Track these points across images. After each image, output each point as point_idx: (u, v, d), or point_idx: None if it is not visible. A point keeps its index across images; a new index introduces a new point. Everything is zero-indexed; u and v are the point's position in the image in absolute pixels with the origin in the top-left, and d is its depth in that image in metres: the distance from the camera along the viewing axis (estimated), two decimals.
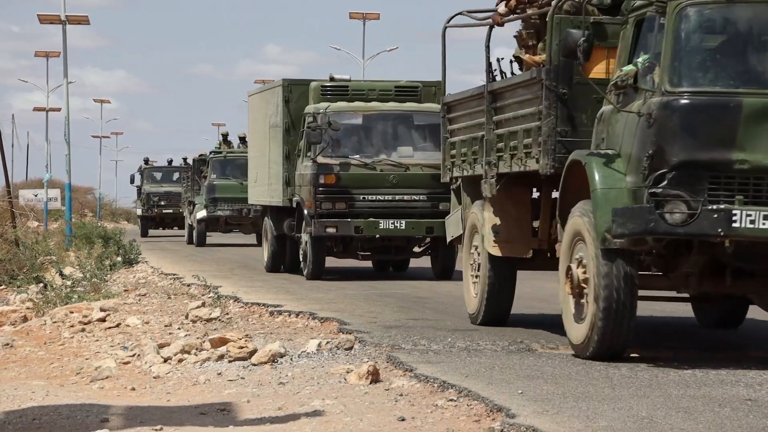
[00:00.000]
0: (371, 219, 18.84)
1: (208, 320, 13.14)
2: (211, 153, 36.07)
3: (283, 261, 21.32)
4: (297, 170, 19.74)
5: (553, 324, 12.47)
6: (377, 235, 19.03)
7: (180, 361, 10.34)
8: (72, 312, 13.93)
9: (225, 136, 38.20)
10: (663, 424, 7.10)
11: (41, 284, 17.55)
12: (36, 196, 46.86)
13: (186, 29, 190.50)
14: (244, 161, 33.19)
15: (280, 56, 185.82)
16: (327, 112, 19.08)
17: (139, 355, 10.74)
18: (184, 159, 47.73)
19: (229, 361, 10.19)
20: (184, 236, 43.25)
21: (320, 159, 18.91)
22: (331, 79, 20.30)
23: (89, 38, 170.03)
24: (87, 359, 10.99)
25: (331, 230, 18.77)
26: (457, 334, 11.44)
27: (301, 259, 19.73)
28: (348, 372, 9.28)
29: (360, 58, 54.37)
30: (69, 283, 17.91)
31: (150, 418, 8.04)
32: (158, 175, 46.56)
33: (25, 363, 11.09)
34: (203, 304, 14.25)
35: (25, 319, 14.13)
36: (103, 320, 13.30)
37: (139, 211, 46.31)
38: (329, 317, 12.88)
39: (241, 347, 10.34)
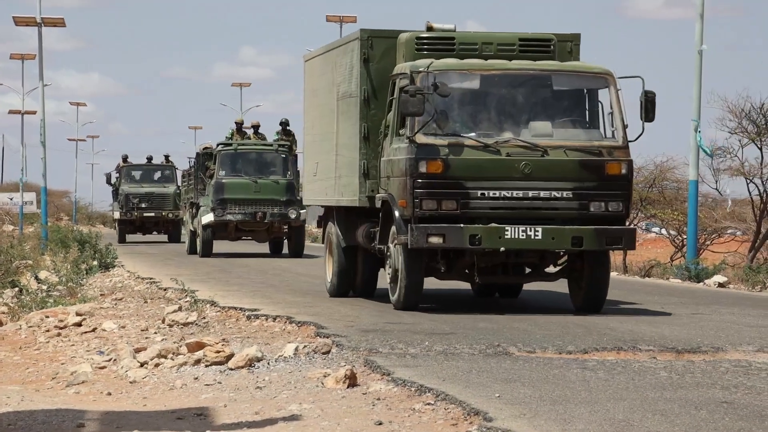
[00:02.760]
0: (493, 225, 13.46)
1: (185, 324, 13.13)
2: (219, 145, 30.24)
3: (353, 282, 16.21)
4: (383, 155, 14.51)
5: (530, 327, 12.50)
6: (501, 248, 13.55)
7: (156, 365, 10.33)
8: (47, 316, 13.90)
9: (240, 124, 32.33)
10: (640, 427, 7.14)
11: (16, 288, 17.50)
12: (11, 199, 46.39)
13: (162, 32, 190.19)
14: (257, 156, 29.58)
15: (256, 59, 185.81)
16: (431, 71, 13.71)
17: (115, 359, 10.72)
18: (166, 156, 44.41)
19: (206, 366, 10.18)
20: (165, 240, 41.78)
21: (421, 138, 13.52)
22: (429, 29, 14.94)
23: (65, 40, 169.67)
24: (63, 364, 10.97)
25: (435, 240, 13.39)
26: (435, 337, 11.46)
27: (388, 280, 14.41)
28: (325, 376, 9.29)
29: None
30: (45, 287, 17.87)
31: (126, 423, 8.03)
32: (137, 174, 42.51)
33: (0, 368, 11.06)
34: (180, 309, 14.24)
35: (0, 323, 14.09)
36: (79, 325, 13.27)
37: (116, 214, 42.08)
38: (306, 321, 12.88)
39: (218, 352, 10.33)
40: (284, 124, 31.71)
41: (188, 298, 15.77)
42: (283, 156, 29.84)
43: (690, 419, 7.37)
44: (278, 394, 8.91)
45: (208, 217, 28.96)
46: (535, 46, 14.51)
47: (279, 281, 20.12)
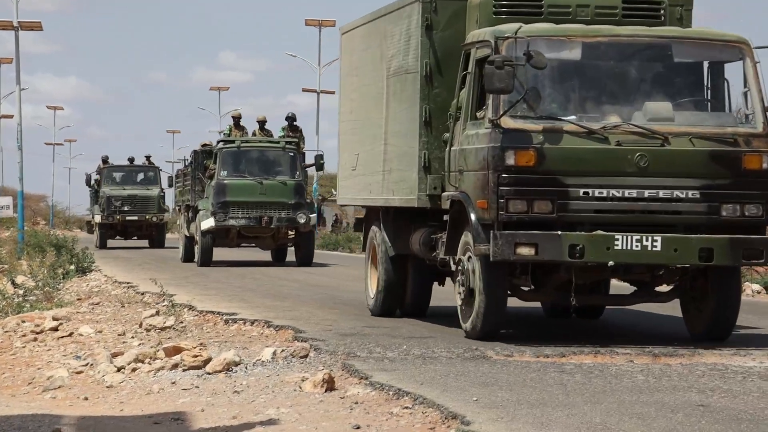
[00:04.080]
0: (599, 233, 10.85)
1: (162, 329, 13.11)
2: (218, 143, 27.37)
3: (402, 298, 13.79)
4: (452, 144, 11.83)
5: (508, 331, 12.53)
6: (609, 263, 10.97)
7: (134, 370, 10.31)
8: (24, 321, 13.85)
9: (237, 119, 28.86)
10: (616, 430, 7.16)
11: None
12: None
13: (140, 36, 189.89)
14: (262, 154, 26.50)
15: (235, 63, 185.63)
16: (521, 37, 11.03)
17: (92, 364, 10.70)
18: (148, 158, 42.38)
19: (184, 370, 10.17)
20: (146, 245, 40.63)
21: (508, 121, 10.91)
22: None
23: (42, 44, 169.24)
24: (39, 369, 10.93)
25: (525, 251, 10.80)
26: (413, 341, 11.47)
27: (458, 301, 11.69)
28: (303, 380, 9.29)
29: (316, 65, 54.40)
30: (21, 292, 17.80)
31: (103, 428, 8.02)
32: (119, 176, 40.23)
33: None
34: (157, 313, 14.22)
35: None
36: (55, 329, 13.23)
37: (97, 218, 39.50)
38: (284, 325, 12.87)
39: (196, 356, 10.32)
40: (291, 119, 28.32)
41: (166, 303, 15.75)
42: (291, 154, 26.63)
43: (666, 422, 7.40)
44: (256, 398, 8.91)
45: (208, 222, 25.72)
46: (641, 10, 11.91)
47: (256, 285, 20.10)
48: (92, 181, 41.22)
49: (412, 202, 12.60)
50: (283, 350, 10.76)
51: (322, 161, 28.35)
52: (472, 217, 11.15)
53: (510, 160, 10.91)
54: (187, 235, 28.28)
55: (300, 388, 9.12)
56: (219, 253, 27.21)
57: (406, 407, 8.03)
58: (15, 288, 18.37)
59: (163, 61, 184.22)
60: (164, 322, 13.31)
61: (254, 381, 9.57)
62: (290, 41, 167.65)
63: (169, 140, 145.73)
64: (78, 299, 17.51)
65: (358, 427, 7.61)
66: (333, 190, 47.48)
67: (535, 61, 10.90)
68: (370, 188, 13.93)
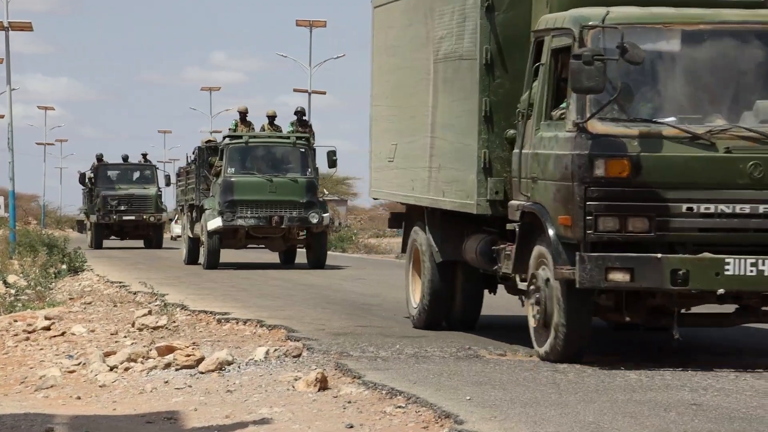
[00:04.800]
0: (707, 255, 9.49)
1: (155, 328, 13.09)
2: (225, 138, 25.63)
3: (448, 310, 12.36)
4: (523, 146, 10.39)
5: (501, 330, 12.53)
6: (719, 291, 9.56)
7: (126, 369, 10.30)
8: (16, 321, 13.82)
9: (244, 113, 26.92)
10: (609, 429, 7.16)
11: None
12: None
13: (131, 36, 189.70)
14: (271, 150, 25.08)
15: (227, 63, 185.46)
16: (611, 26, 9.58)
17: (84, 363, 10.68)
18: (144, 155, 41.45)
19: (176, 370, 10.16)
20: (141, 246, 38.27)
21: (596, 125, 9.55)
22: None
23: (33, 44, 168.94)
24: (31, 368, 10.91)
25: (618, 277, 9.44)
26: (405, 340, 11.47)
27: (531, 323, 10.31)
28: (296, 380, 9.28)
29: (307, 66, 54.40)
30: (13, 291, 17.77)
31: (96, 428, 8.00)
32: (114, 175, 38.94)
33: None
34: (150, 312, 14.20)
35: None
36: (47, 329, 13.21)
37: (93, 218, 38.20)
38: (277, 325, 12.87)
39: (189, 355, 10.31)
40: (300, 113, 27.02)
41: (158, 302, 15.73)
42: (302, 150, 25.11)
43: (659, 421, 7.40)
44: (249, 397, 8.90)
45: (215, 222, 24.10)
46: None
47: (249, 285, 20.08)
48: (86, 180, 40.02)
49: (470, 208, 11.03)
50: (275, 350, 10.76)
51: (334, 157, 26.00)
52: (551, 233, 9.71)
53: (600, 171, 9.47)
54: (191, 236, 26.63)
55: (293, 387, 9.11)
56: (224, 255, 25.55)
57: (399, 406, 8.03)
58: (7, 288, 18.34)
59: (154, 61, 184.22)
60: (157, 322, 13.30)
61: (247, 380, 9.56)
62: (281, 42, 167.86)
63: (161, 140, 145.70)
64: (70, 299, 17.48)
65: (351, 426, 7.61)
66: (325, 189, 47.40)
67: (632, 55, 9.42)
68: (413, 184, 12.37)
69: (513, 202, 10.58)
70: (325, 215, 24.67)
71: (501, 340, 11.55)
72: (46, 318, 13.74)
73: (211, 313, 14.42)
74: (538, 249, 10.05)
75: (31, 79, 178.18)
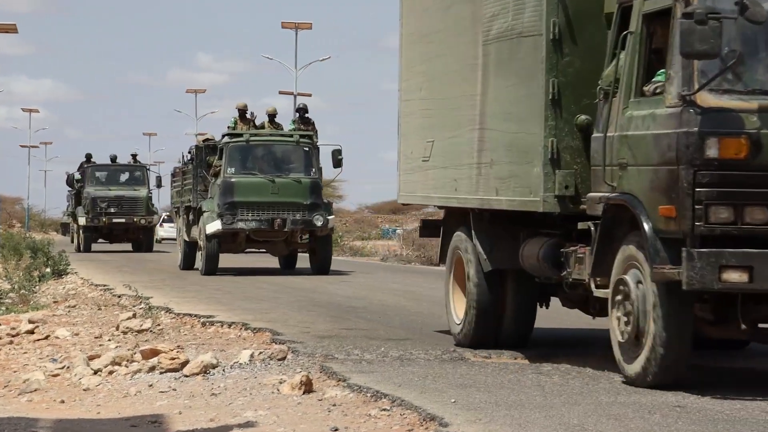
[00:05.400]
0: None
1: (139, 331, 13.07)
2: (224, 136, 24.15)
3: (497, 325, 10.98)
4: (608, 128, 9.03)
5: None
6: None
7: (110, 373, 10.28)
8: (0, 324, 13.79)
9: (243, 110, 25.30)
10: (594, 431, 7.18)
11: None
12: None
13: (116, 37, 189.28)
14: (274, 149, 23.74)
15: (212, 65, 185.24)
16: None
17: (68, 367, 10.66)
18: (134, 156, 40.18)
19: (161, 373, 10.14)
20: (129, 249, 37.48)
21: (706, 97, 8.25)
22: None
23: (17, 46, 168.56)
24: (15, 372, 10.88)
25: (734, 277, 8.15)
26: (390, 343, 11.48)
27: (618, 337, 8.92)
28: (281, 382, 9.28)
29: (292, 68, 54.42)
30: None
31: (80, 431, 7.99)
32: (103, 176, 37.82)
33: None
34: (134, 315, 14.18)
35: None
36: (31, 332, 13.18)
37: (81, 220, 36.92)
38: (262, 328, 12.86)
39: (173, 358, 10.30)
40: (302, 110, 25.51)
41: (142, 305, 15.71)
42: (306, 149, 23.86)
43: (643, 423, 7.42)
44: (233, 400, 8.90)
45: (214, 226, 22.80)
46: None
47: (234, 287, 20.06)
48: (74, 181, 38.91)
49: (533, 206, 9.73)
50: (260, 353, 10.75)
51: (340, 156, 24.36)
52: (647, 227, 8.41)
53: (712, 151, 8.15)
54: (187, 240, 25.32)
55: (278, 390, 9.11)
56: (222, 260, 24.27)
57: (384, 409, 8.04)
58: None
59: (138, 63, 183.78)
60: (141, 325, 13.27)
61: (232, 383, 9.56)
62: (267, 44, 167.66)
63: (146, 142, 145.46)
64: (54, 302, 17.44)
65: (336, 429, 7.61)
66: None
67: (752, 13, 8.12)
68: (455, 185, 11.07)
69: (593, 195, 9.27)
70: (330, 218, 23.61)
71: None
72: (30, 321, 13.71)
73: (195, 316, 14.40)
74: (626, 250, 8.75)
75: (15, 80, 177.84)
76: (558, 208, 9.57)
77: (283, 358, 10.52)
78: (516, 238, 10.46)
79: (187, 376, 9.98)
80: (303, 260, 25.22)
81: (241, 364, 10.34)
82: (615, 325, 8.92)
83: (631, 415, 7.68)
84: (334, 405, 8.41)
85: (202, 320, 13.98)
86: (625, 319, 8.76)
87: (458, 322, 11.24)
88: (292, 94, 53.71)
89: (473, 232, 10.85)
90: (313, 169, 23.81)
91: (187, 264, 25.28)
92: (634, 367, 8.73)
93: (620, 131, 8.93)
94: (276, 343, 11.53)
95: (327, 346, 11.24)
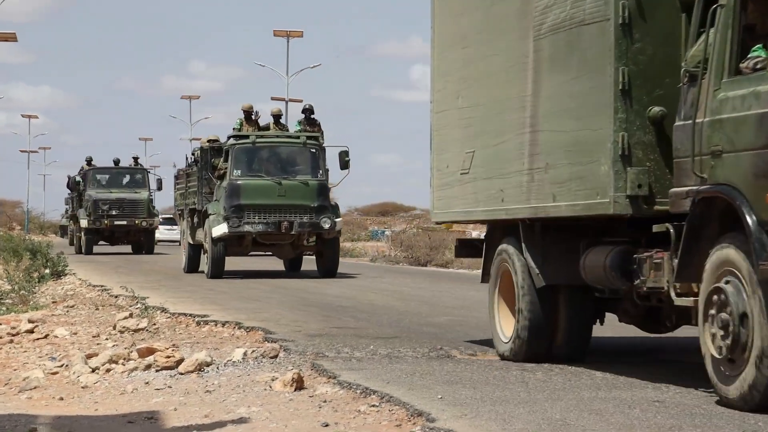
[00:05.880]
0: None
1: (136, 331, 13.06)
2: (229, 138, 23.23)
3: (552, 340, 9.97)
4: (697, 114, 7.87)
5: (472, 331, 12.56)
6: None
7: (108, 371, 10.28)
8: (0, 324, 13.76)
9: (249, 112, 24.13)
10: (576, 425, 7.19)
11: None
12: None
13: (112, 45, 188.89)
14: (280, 151, 22.77)
15: (206, 72, 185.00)
16: None
17: (67, 365, 10.65)
18: (135, 159, 39.53)
19: (157, 371, 10.14)
20: (129, 251, 37.19)
21: None
22: None
23: (17, 54, 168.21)
24: (15, 370, 10.86)
25: None
26: (379, 341, 11.49)
27: (711, 350, 7.79)
28: (273, 380, 9.28)
29: (284, 75, 54.39)
30: None
31: (78, 428, 7.98)
32: (104, 179, 37.21)
33: None
34: (131, 315, 14.17)
35: None
36: (31, 331, 13.16)
37: (84, 222, 36.41)
38: (255, 327, 12.86)
39: (168, 357, 10.30)
40: (308, 111, 24.16)
41: (139, 305, 15.70)
42: (313, 151, 22.98)
43: (624, 418, 7.44)
44: (227, 397, 8.89)
45: (220, 229, 21.94)
46: None
47: (228, 288, 20.04)
48: (76, 184, 38.22)
49: (601, 208, 8.52)
50: (253, 351, 10.75)
51: (347, 158, 23.34)
52: (749, 220, 7.21)
53: None
54: (191, 242, 24.36)
55: (270, 387, 9.11)
56: (227, 263, 23.34)
57: (373, 405, 8.04)
58: None
59: (135, 70, 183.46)
60: (137, 324, 13.27)
61: (225, 381, 9.55)
62: (259, 51, 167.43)
63: (142, 147, 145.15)
64: (53, 302, 17.42)
65: (327, 425, 7.62)
66: None
67: None
68: (502, 195, 9.96)
69: (677, 190, 8.06)
70: (337, 220, 22.70)
71: (471, 341, 11.58)
72: (30, 321, 13.69)
73: (190, 315, 14.39)
74: (720, 253, 7.57)
75: (14, 88, 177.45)
76: (630, 210, 8.31)
77: (275, 356, 10.52)
78: (573, 248, 9.33)
79: (182, 373, 9.97)
80: (307, 263, 24.56)
81: (234, 362, 10.34)
82: (708, 340, 7.75)
83: (611, 410, 7.70)
84: (325, 401, 8.41)
85: (196, 320, 13.97)
86: (722, 332, 7.59)
87: (506, 340, 10.17)
88: (283, 99, 53.70)
89: (523, 244, 9.75)
90: (320, 171, 22.92)
91: (192, 267, 24.36)
92: (734, 388, 7.52)
93: (712, 116, 7.74)
94: (268, 342, 11.53)
95: (318, 344, 11.24)
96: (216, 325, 13.45)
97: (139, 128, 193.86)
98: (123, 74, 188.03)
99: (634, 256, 8.58)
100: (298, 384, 8.97)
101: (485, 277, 10.60)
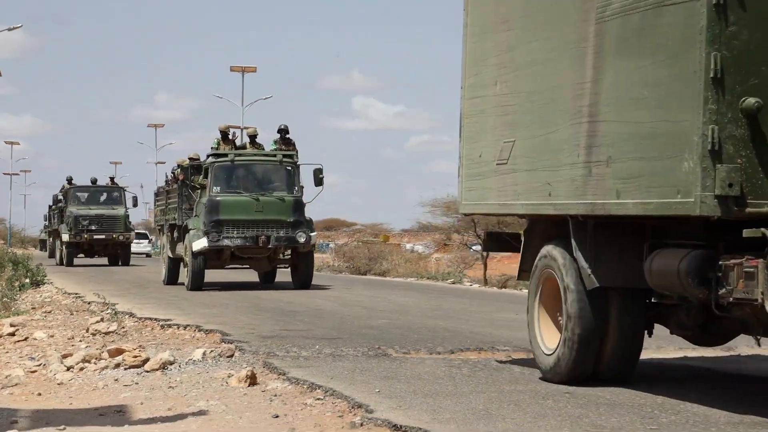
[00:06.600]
0: None
1: (107, 333, 12.93)
2: (209, 157, 21.91)
3: (601, 352, 8.19)
4: None
5: (406, 332, 12.56)
6: None
7: (81, 369, 10.16)
8: None
9: (225, 132, 23.14)
10: (497, 415, 7.22)
11: None
12: None
13: (87, 79, 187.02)
14: (257, 168, 21.63)
15: (170, 103, 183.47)
16: None
17: (45, 364, 10.51)
18: (112, 179, 39.20)
19: (125, 369, 10.04)
20: (106, 263, 36.57)
21: None
22: None
23: (1, 86, 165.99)
24: None
25: None
26: (324, 342, 11.45)
27: None
28: (229, 376, 9.22)
29: (240, 105, 54.22)
30: None
31: (54, 420, 7.88)
32: (84, 196, 36.73)
33: None
34: (102, 320, 14.02)
35: None
36: (12, 334, 12.97)
37: (65, 236, 35.71)
38: (213, 329, 12.77)
39: (136, 356, 10.20)
40: (283, 131, 22.96)
41: (109, 311, 15.53)
42: (288, 168, 21.79)
43: (539, 407, 7.47)
44: (188, 392, 8.82)
45: (200, 243, 20.73)
46: None
47: (190, 295, 19.88)
48: (57, 201, 37.64)
49: (683, 209, 6.73)
50: (211, 351, 10.68)
51: (321, 175, 22.00)
52: None
53: None
54: (171, 256, 23.02)
55: (226, 383, 9.05)
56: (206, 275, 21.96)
57: (319, 398, 8.01)
58: None
59: (106, 102, 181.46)
60: (108, 328, 13.13)
61: (187, 377, 9.48)
62: (218, 84, 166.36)
63: (112, 170, 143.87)
64: (32, 308, 17.18)
65: (277, 416, 7.58)
66: None
67: None
68: (549, 189, 8.22)
69: None
70: (312, 234, 21.45)
71: (406, 341, 11.58)
72: (11, 325, 13.50)
73: (155, 319, 14.26)
74: None
75: None
76: (718, 212, 6.54)
77: (231, 356, 10.46)
78: (630, 248, 7.78)
79: (147, 371, 9.88)
80: (281, 275, 23.55)
81: (194, 361, 10.26)
82: None
83: (528, 401, 7.73)
84: (276, 395, 8.37)
85: (161, 323, 13.85)
86: None
87: (549, 352, 8.40)
88: (239, 127, 53.51)
89: (574, 243, 8.00)
90: (296, 188, 21.71)
91: (171, 279, 23.11)
92: None
93: None
94: (225, 343, 11.46)
95: (269, 345, 11.19)
96: (178, 328, 13.34)
97: (110, 153, 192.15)
98: (96, 105, 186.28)
99: (720, 262, 6.81)
100: (252, 380, 8.91)
101: (522, 275, 8.92)
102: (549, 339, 8.54)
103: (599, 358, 8.14)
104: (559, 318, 8.30)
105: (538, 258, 8.57)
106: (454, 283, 26.94)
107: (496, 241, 9.89)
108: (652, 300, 7.97)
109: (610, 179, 7.50)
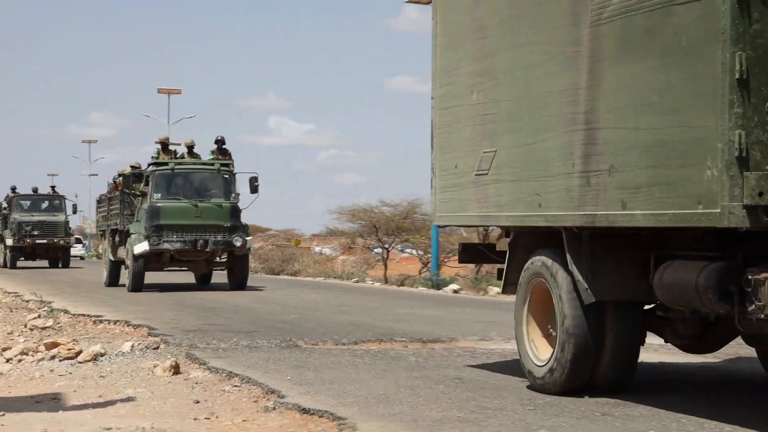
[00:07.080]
0: None
1: (43, 328, 12.65)
2: (150, 165, 21.24)
3: (595, 365, 7.04)
4: None
5: (315, 326, 12.52)
6: None
7: (20, 361, 9.93)
8: None
9: (165, 143, 22.60)
10: (394, 399, 7.24)
11: None
12: None
13: (26, 100, 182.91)
14: (196, 176, 20.88)
15: (102, 121, 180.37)
16: None
17: None
18: (53, 188, 38.55)
19: (60, 360, 9.83)
20: (46, 265, 36.25)
21: None
22: None
23: None
24: None
25: None
26: (241, 335, 11.37)
27: None
28: (155, 366, 9.10)
29: (166, 124, 53.58)
30: None
31: None
32: (26, 204, 36.22)
33: None
34: (39, 316, 13.71)
35: None
36: None
37: (9, 241, 35.15)
38: (141, 324, 12.58)
39: (70, 349, 10.01)
40: (220, 142, 22.29)
41: (46, 308, 15.20)
42: (225, 176, 21.06)
43: (431, 392, 7.52)
44: (117, 381, 8.68)
45: (141, 246, 19.97)
46: None
47: (121, 294, 19.55)
48: (1, 209, 37.03)
49: (707, 220, 5.55)
50: (139, 343, 10.52)
51: (256, 183, 21.37)
52: None
53: None
54: (113, 259, 22.27)
55: (152, 372, 8.92)
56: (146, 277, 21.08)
57: (236, 385, 7.95)
58: None
59: (44, 120, 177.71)
60: (45, 323, 12.85)
61: (116, 368, 9.32)
62: (146, 105, 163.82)
63: (49, 180, 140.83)
64: None
65: (198, 401, 7.50)
66: None
67: None
68: (539, 200, 7.03)
69: None
70: (248, 239, 20.82)
71: (314, 333, 11.55)
72: None
73: (88, 316, 14.00)
74: None
75: None
76: (747, 223, 5.38)
77: (157, 348, 10.31)
78: (629, 259, 6.71)
79: (80, 362, 9.70)
80: (217, 276, 22.98)
81: (123, 352, 10.10)
82: None
83: (422, 387, 7.78)
84: (197, 383, 8.28)
85: (93, 319, 13.60)
86: None
87: (541, 364, 7.26)
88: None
89: (569, 256, 6.88)
90: (233, 195, 20.96)
91: (112, 281, 22.32)
92: None
93: None
94: (151, 336, 11.30)
95: (192, 338, 11.06)
96: (109, 323, 13.11)
97: (48, 166, 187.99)
98: (35, 124, 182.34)
99: (749, 276, 5.67)
100: (175, 370, 8.80)
101: (507, 288, 7.78)
102: (540, 349, 7.38)
103: (595, 369, 7.04)
104: (550, 328, 7.26)
105: (525, 267, 7.44)
106: (357, 282, 26.99)
107: (472, 253, 8.68)
108: (645, 308, 6.99)
109: (614, 189, 6.31)
